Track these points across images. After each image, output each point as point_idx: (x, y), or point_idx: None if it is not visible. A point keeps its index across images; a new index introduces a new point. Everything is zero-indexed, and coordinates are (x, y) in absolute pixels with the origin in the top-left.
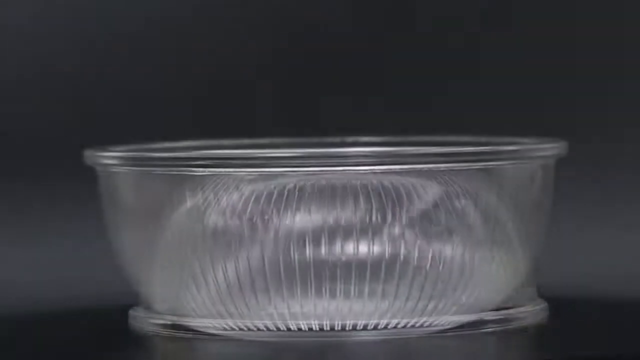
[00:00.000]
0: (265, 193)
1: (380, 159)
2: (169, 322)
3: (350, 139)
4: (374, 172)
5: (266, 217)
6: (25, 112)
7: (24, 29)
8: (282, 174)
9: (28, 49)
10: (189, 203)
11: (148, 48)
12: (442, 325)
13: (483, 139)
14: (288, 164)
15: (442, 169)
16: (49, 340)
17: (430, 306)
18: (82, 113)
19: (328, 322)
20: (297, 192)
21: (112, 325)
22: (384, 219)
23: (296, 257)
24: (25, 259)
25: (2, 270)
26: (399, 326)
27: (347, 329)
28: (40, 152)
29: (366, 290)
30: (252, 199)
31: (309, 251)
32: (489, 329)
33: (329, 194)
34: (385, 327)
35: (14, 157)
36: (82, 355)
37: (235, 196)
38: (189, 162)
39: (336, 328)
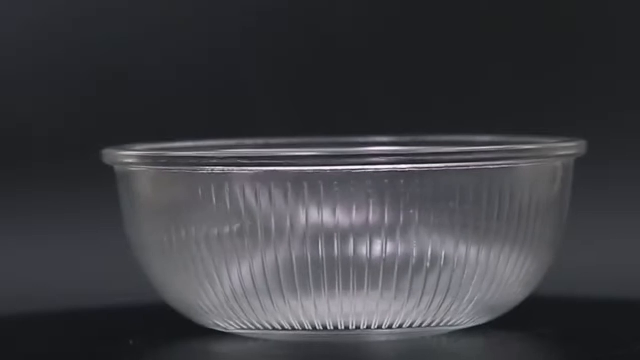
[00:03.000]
0: (282, 192)
1: (397, 158)
2: None
3: (361, 139)
4: (391, 172)
5: (282, 217)
6: (39, 111)
7: (32, 28)
8: (300, 173)
9: (38, 49)
10: (207, 202)
11: (147, 48)
12: (460, 325)
13: (502, 138)
14: (307, 163)
15: (460, 168)
16: (63, 339)
17: (446, 305)
18: (82, 113)
19: (343, 321)
20: (313, 192)
21: (127, 324)
22: (399, 218)
23: (310, 256)
24: (41, 258)
25: (20, 270)
26: (415, 325)
27: (362, 327)
28: (52, 150)
29: (381, 289)
30: (269, 198)
31: (322, 251)
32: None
33: (345, 194)
34: (401, 326)
35: (28, 156)
36: (98, 354)
37: (252, 195)
38: (208, 161)
39: (351, 327)
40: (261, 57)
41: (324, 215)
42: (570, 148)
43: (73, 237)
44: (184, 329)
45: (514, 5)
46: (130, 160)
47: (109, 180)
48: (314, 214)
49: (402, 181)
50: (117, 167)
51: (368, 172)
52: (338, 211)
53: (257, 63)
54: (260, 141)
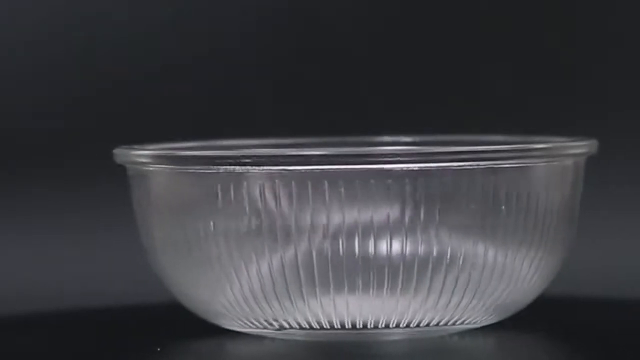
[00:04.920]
0: (300, 191)
1: (416, 157)
2: None
3: (372, 139)
4: (410, 171)
5: (300, 216)
6: (39, 111)
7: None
8: (318, 172)
9: (38, 49)
10: (222, 202)
11: (147, 48)
12: (475, 323)
13: (515, 138)
14: (325, 161)
15: (475, 167)
16: (67, 339)
17: (463, 305)
18: (81, 113)
19: (361, 320)
20: (331, 191)
21: (140, 324)
22: (418, 217)
23: (330, 255)
24: (41, 258)
25: (20, 270)
26: (432, 324)
27: (380, 326)
28: (53, 150)
29: (399, 288)
30: (287, 197)
31: (342, 249)
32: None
33: (364, 193)
34: (417, 325)
35: (28, 156)
36: (105, 354)
37: (269, 195)
38: (223, 160)
39: (369, 326)
40: (261, 57)
41: (344, 215)
42: (582, 147)
43: (73, 237)
44: (197, 328)
45: (514, 5)
46: (144, 160)
47: (109, 179)
48: (333, 213)
49: (419, 181)
50: (129, 167)
51: (387, 171)
52: (358, 210)
53: (257, 63)
54: (274, 141)
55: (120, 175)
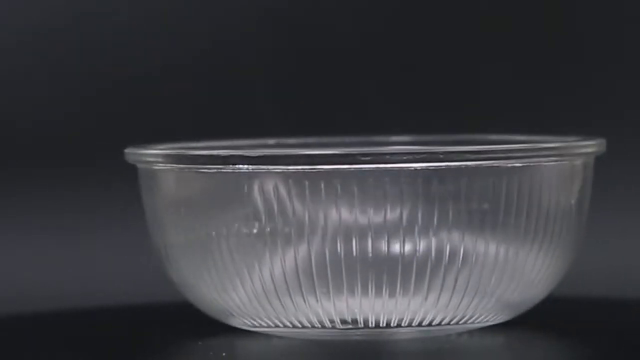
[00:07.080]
0: (312, 191)
1: (429, 157)
2: None
3: (379, 139)
4: (422, 170)
5: (312, 216)
6: (39, 111)
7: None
8: (330, 172)
9: (38, 49)
10: (234, 201)
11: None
12: (485, 322)
13: (523, 137)
14: (338, 161)
15: (482, 166)
16: (80, 337)
17: (474, 304)
18: (81, 113)
19: (373, 319)
20: (343, 190)
21: (144, 323)
22: (431, 217)
23: (343, 254)
24: (56, 257)
25: (21, 270)
26: (443, 323)
27: (392, 325)
28: (53, 150)
29: (412, 287)
30: (299, 197)
31: (355, 248)
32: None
33: (375, 192)
34: (429, 324)
35: (28, 156)
36: (117, 353)
37: (280, 194)
38: (234, 160)
39: (381, 324)
40: (261, 56)
41: (355, 214)
42: (591, 146)
43: (73, 237)
44: (202, 327)
45: (514, 5)
46: (156, 160)
47: (110, 179)
48: (344, 213)
49: (430, 180)
50: (140, 166)
51: (397, 170)
52: (369, 210)
53: (257, 63)
54: (282, 140)
55: (121, 175)
